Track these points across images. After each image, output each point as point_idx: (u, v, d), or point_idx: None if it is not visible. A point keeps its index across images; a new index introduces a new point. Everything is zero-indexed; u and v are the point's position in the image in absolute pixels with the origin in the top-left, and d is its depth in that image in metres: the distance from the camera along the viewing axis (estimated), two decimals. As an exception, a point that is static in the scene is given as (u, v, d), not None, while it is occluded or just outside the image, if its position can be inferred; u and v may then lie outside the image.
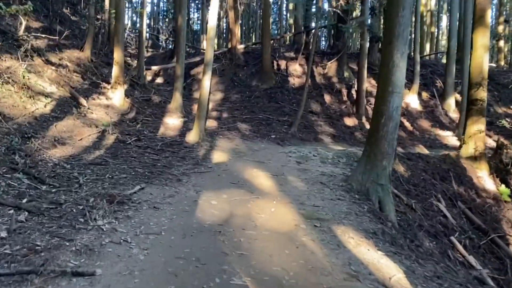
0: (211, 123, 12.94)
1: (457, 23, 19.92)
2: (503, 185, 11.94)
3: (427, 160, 11.99)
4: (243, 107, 15.57)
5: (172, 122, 11.68)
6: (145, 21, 16.63)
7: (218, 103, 16.01)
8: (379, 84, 7.14)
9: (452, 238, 8.14)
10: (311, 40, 18.40)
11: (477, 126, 12.55)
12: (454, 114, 19.47)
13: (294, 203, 5.78)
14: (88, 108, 10.07)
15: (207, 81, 9.96)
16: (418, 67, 19.63)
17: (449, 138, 16.77)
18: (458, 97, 20.73)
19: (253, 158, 9.01)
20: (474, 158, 12.63)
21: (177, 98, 12.95)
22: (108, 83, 12.22)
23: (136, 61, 16.68)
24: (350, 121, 16.31)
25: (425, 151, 14.91)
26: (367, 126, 16.14)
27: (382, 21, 20.16)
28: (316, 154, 9.61)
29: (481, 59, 12.52)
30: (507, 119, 20.11)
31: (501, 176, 12.61)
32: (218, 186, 6.39)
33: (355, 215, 5.56)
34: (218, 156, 8.84)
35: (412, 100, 19.28)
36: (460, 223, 9.68)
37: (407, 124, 17.62)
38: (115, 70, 11.70)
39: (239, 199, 5.80)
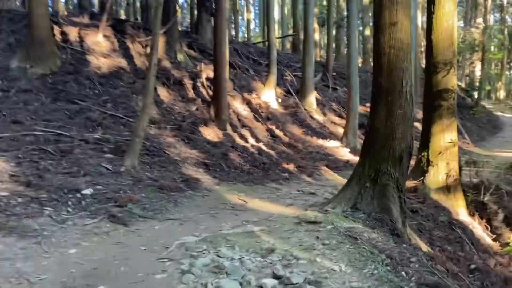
0: None
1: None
2: (512, 236, 7.18)
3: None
4: (-10, 113, 6.72)
5: None
6: None
7: None
8: None
9: None
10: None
11: (449, 135, 7.51)
12: (317, 115, 14.72)
13: None
14: None
15: None
16: (275, 52, 14.08)
17: (341, 150, 11.68)
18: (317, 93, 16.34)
19: None
20: (447, 189, 7.62)
21: None
22: None
23: None
24: (211, 133, 9.36)
25: (336, 176, 9.26)
26: (239, 141, 9.57)
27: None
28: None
29: (451, 23, 7.46)
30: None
31: (481, 214, 7.98)
32: None
33: None
34: None
35: (270, 97, 13.62)
36: None
37: (279, 133, 11.74)
38: None
39: None
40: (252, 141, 10.01)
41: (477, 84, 23.94)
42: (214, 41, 10.25)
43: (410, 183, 7.72)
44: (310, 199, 5.69)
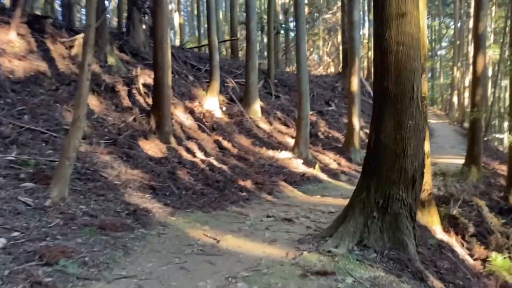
0: None
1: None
2: (494, 254, 6.74)
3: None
4: None
5: None
6: None
7: None
8: None
9: None
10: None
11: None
12: (263, 124, 13.89)
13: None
14: None
15: None
16: (217, 57, 13.00)
17: (293, 162, 10.89)
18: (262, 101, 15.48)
19: None
20: (422, 205, 7.08)
21: None
22: None
23: None
24: (153, 147, 8.06)
25: (297, 192, 8.45)
26: (186, 156, 8.40)
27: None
28: None
29: (421, 25, 6.94)
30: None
31: (454, 229, 7.55)
32: None
33: None
34: None
35: (214, 105, 12.50)
36: None
37: (227, 144, 10.69)
38: None
39: None
40: (200, 155, 8.83)
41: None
42: (154, 41, 8.95)
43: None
44: (290, 229, 4.69)
